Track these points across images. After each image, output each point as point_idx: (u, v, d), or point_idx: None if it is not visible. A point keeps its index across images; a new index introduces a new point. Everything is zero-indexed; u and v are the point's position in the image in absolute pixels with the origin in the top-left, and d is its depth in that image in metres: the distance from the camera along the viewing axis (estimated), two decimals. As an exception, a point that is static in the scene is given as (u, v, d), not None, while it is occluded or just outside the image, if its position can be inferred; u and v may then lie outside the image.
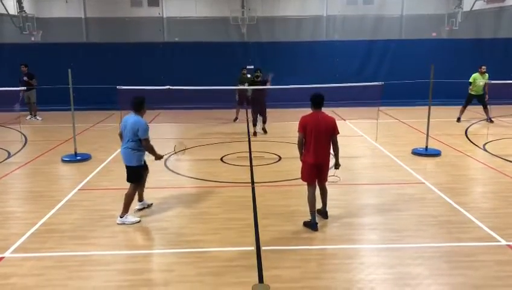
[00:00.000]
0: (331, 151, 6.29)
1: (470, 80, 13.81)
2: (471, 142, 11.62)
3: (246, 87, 13.53)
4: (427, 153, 10.23)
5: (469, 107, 14.21)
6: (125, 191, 6.58)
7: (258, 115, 12.87)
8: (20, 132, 12.75)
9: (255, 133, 12.65)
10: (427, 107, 10.45)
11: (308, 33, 23.20)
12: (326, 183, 6.47)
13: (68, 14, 23.13)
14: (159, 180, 8.42)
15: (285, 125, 13.50)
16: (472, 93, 13.90)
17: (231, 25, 22.50)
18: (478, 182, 8.82)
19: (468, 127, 13.51)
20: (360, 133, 12.82)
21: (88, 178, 8.74)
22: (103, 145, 11.38)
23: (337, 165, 6.46)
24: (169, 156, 9.80)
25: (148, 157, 6.75)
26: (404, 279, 4.98)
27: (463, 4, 22.13)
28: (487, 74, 13.80)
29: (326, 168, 6.33)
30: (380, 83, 11.13)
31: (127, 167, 6.58)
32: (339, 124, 6.41)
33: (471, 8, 21.49)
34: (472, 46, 18.54)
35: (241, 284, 4.88)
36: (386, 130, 12.90)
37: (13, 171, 9.35)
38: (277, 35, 22.62)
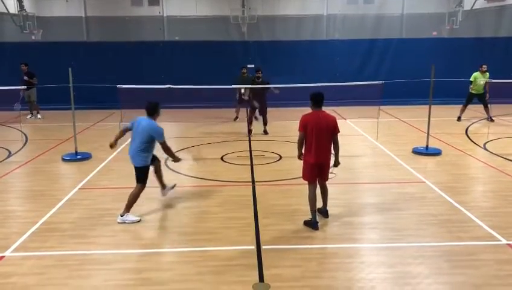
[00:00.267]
0: (332, 150, 6.29)
1: (471, 79, 13.79)
2: (472, 141, 11.61)
3: (245, 87, 13.42)
4: (428, 152, 10.23)
5: (469, 106, 14.20)
6: (126, 190, 6.58)
7: (258, 115, 12.81)
8: (21, 131, 12.74)
9: (250, 131, 12.47)
10: (427, 106, 10.45)
11: (309, 32, 23.14)
12: (324, 180, 6.47)
13: (68, 13, 23.09)
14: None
15: (285, 124, 13.50)
16: (473, 92, 13.90)
17: (231, 24, 22.45)
18: (478, 181, 8.82)
19: (469, 126, 13.51)
20: (360, 132, 12.82)
21: (88, 177, 8.75)
22: (103, 144, 11.18)
23: (336, 164, 6.46)
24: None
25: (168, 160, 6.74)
26: (405, 278, 4.99)
27: (464, 3, 22.04)
28: (488, 73, 13.78)
29: (327, 168, 6.33)
30: (381, 82, 11.15)
31: (134, 167, 6.64)
32: (340, 123, 6.41)
33: (472, 6, 21.42)
34: (473, 45, 18.51)
35: (242, 283, 4.88)
36: (386, 129, 12.91)
37: (14, 170, 9.35)
38: (277, 35, 22.57)
